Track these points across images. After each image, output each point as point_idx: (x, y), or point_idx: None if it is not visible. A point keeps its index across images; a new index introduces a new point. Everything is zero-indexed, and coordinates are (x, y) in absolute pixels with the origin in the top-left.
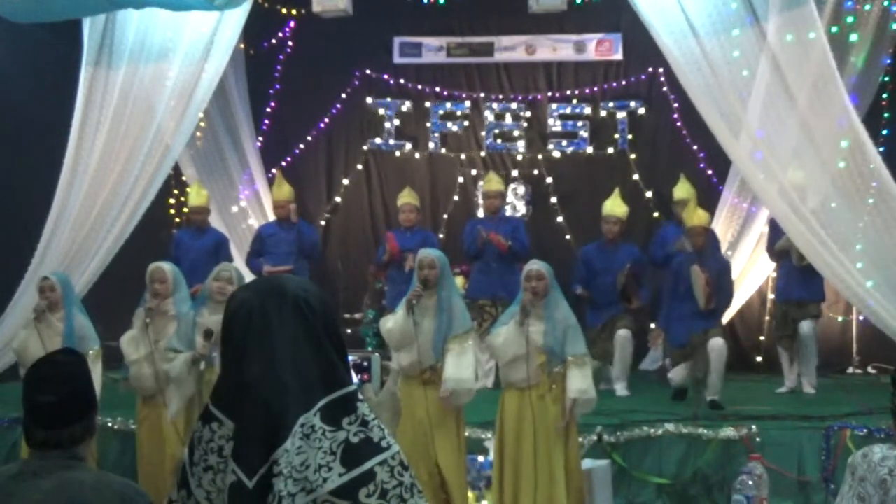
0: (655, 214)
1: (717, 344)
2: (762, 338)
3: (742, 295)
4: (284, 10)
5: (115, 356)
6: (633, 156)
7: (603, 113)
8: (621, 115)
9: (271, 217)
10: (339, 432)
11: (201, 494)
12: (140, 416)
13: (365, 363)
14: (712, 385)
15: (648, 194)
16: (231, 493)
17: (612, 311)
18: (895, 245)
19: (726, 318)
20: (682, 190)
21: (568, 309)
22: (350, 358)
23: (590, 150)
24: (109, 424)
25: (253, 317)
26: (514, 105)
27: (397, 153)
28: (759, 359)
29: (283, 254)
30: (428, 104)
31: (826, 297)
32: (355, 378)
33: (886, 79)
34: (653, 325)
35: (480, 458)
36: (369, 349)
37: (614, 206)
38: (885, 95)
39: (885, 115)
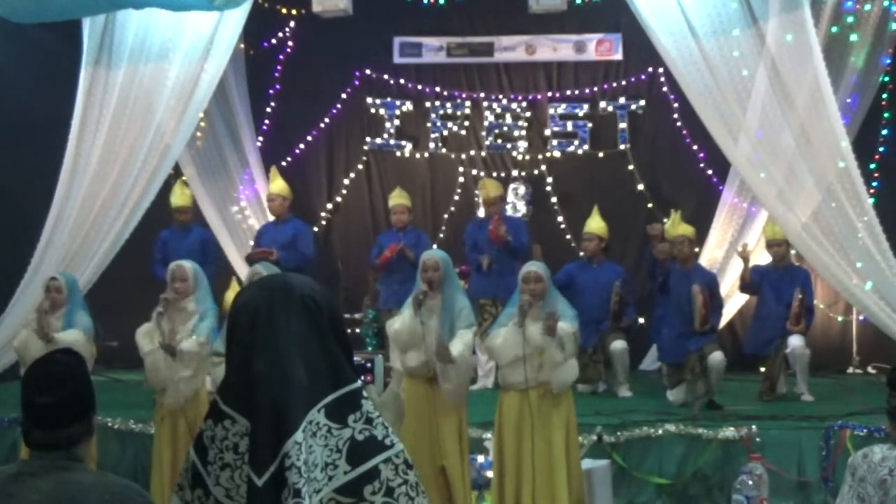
0: (654, 216)
1: (716, 358)
2: None
3: (742, 295)
4: (284, 10)
5: (117, 356)
6: (633, 156)
7: (603, 113)
8: (621, 114)
9: (270, 216)
10: (345, 430)
11: (220, 492)
12: (158, 417)
13: (368, 364)
14: (712, 388)
15: (648, 194)
16: (248, 491)
17: (599, 330)
18: (895, 245)
19: (725, 318)
20: (595, 224)
21: (565, 302)
22: (353, 359)
23: (590, 150)
24: (109, 424)
25: (259, 314)
26: (514, 105)
27: (397, 153)
28: (759, 359)
29: (278, 251)
30: (428, 104)
31: (826, 298)
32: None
33: (886, 79)
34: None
35: (480, 458)
36: (369, 349)
37: (591, 223)
38: (885, 95)
39: (886, 115)
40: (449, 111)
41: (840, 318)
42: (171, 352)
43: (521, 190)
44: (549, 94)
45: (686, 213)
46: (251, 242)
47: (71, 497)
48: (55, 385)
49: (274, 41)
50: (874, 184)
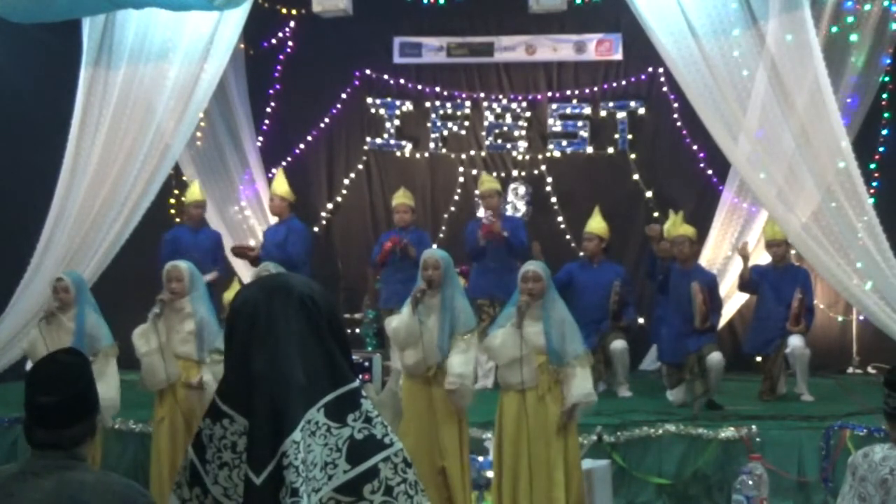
0: (655, 214)
1: (715, 358)
2: None
3: (742, 295)
4: (284, 10)
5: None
6: (633, 156)
7: (603, 113)
8: (621, 115)
9: (271, 217)
10: (345, 429)
11: (218, 491)
12: (157, 417)
13: (366, 363)
14: (711, 388)
15: (648, 194)
16: (245, 490)
17: (600, 330)
18: (895, 245)
19: (725, 318)
20: (595, 223)
21: (564, 308)
22: (352, 358)
23: (590, 150)
24: (110, 424)
25: (258, 313)
26: (514, 105)
27: (397, 153)
28: (758, 359)
29: (271, 251)
30: (428, 104)
31: (826, 298)
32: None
33: (886, 79)
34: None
35: (480, 458)
36: (369, 349)
37: (592, 223)
38: (885, 95)
39: (886, 115)
40: (449, 111)
41: (840, 318)
42: (194, 387)
43: (521, 190)
44: (549, 94)
45: (686, 213)
46: (252, 242)
47: (72, 497)
48: (59, 385)
49: (274, 41)
50: (874, 184)
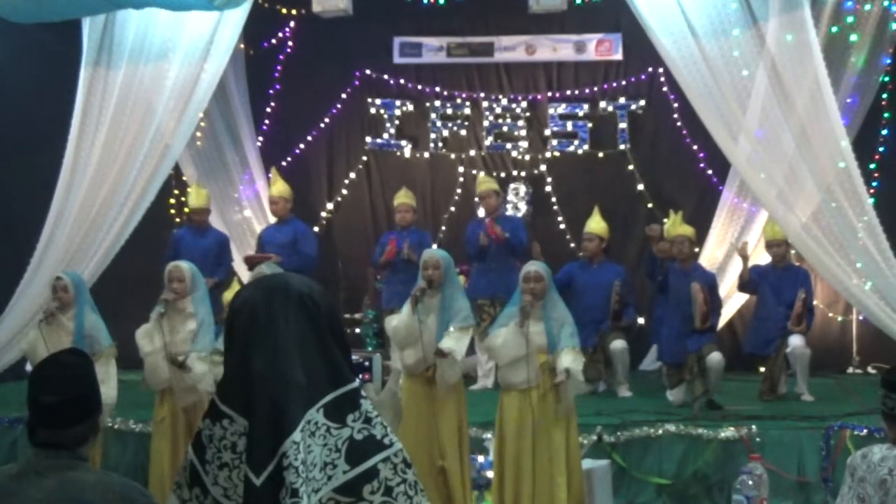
0: (655, 215)
1: (715, 359)
2: None
3: (742, 295)
4: (284, 10)
5: (117, 356)
6: (633, 156)
7: (603, 113)
8: (621, 114)
9: (271, 217)
10: (344, 429)
11: (218, 492)
12: (157, 417)
13: (366, 363)
14: (711, 388)
15: (648, 194)
16: (245, 490)
17: (600, 330)
18: (895, 245)
19: (725, 318)
20: (595, 223)
21: (565, 308)
22: (352, 358)
23: (590, 150)
24: (109, 424)
25: (257, 313)
26: (514, 105)
27: (397, 153)
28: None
29: (276, 253)
30: (428, 104)
31: (826, 298)
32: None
33: (886, 79)
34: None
35: (480, 458)
36: (369, 349)
37: (592, 223)
38: (885, 95)
39: (886, 115)
40: (449, 111)
41: (840, 318)
42: (178, 365)
43: (521, 190)
44: (549, 94)
45: (686, 213)
46: (252, 243)
47: (74, 496)
48: (61, 385)
49: (274, 41)
50: (874, 184)
